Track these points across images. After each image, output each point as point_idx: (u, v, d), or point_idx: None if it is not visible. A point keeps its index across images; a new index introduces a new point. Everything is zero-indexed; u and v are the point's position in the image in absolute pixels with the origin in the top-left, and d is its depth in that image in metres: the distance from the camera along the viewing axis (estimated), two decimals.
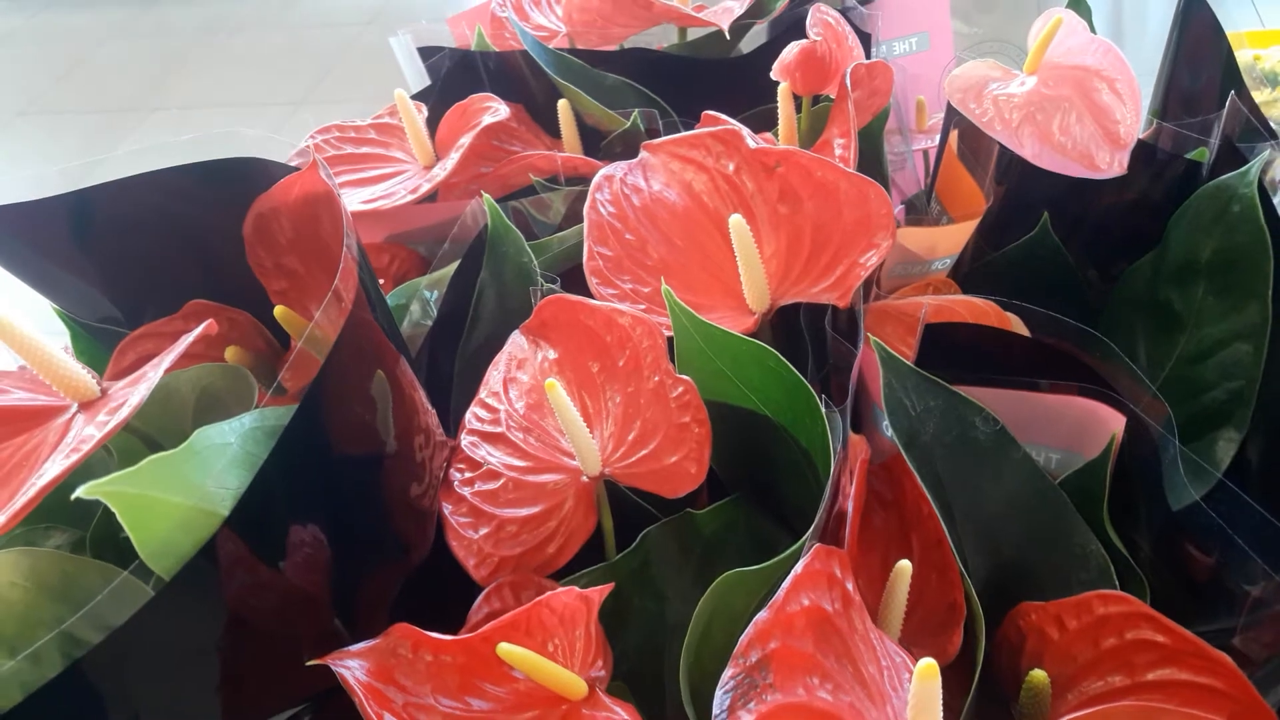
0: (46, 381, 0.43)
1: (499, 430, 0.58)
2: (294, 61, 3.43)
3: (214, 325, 0.43)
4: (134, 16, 3.78)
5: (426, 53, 0.88)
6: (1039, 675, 0.52)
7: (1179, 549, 0.55)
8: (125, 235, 0.56)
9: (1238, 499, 0.51)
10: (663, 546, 0.57)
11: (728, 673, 0.40)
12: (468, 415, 0.59)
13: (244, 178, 0.52)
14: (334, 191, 0.47)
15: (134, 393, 0.39)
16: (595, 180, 0.68)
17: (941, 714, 0.42)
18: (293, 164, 0.52)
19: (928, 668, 0.40)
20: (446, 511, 0.54)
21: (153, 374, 0.39)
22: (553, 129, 0.86)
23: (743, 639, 0.41)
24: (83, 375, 0.43)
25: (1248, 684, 0.49)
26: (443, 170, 0.74)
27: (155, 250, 0.57)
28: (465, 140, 0.74)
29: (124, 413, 0.38)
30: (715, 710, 0.39)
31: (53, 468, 0.37)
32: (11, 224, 0.56)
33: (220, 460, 0.38)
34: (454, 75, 0.87)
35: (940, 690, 0.41)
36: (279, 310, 0.54)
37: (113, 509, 0.34)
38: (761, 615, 0.42)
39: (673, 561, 0.58)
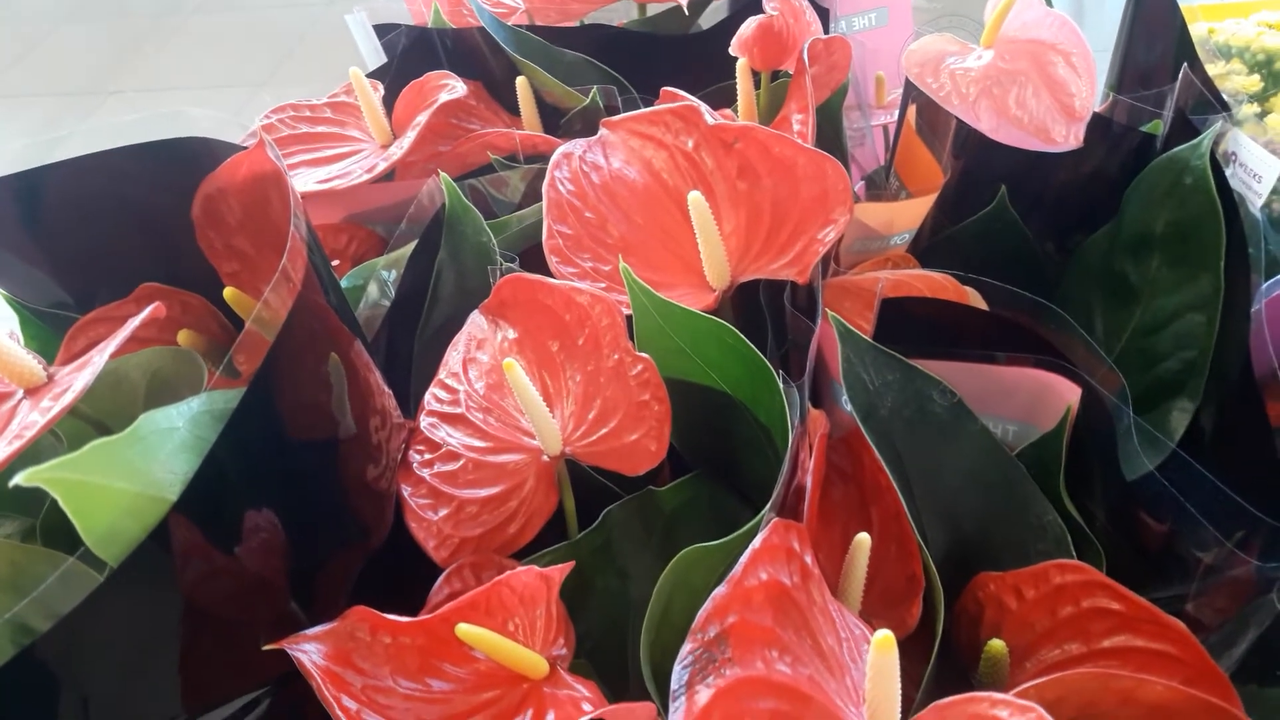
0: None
1: (458, 411, 0.58)
2: (254, 43, 3.39)
3: (161, 308, 0.42)
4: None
5: (383, 30, 0.86)
6: (997, 645, 0.53)
7: (1133, 518, 0.56)
8: (74, 217, 0.55)
9: (1190, 468, 0.52)
10: (625, 524, 0.57)
11: (686, 648, 0.40)
12: (427, 396, 0.59)
13: (192, 158, 0.51)
14: (282, 171, 0.46)
15: (79, 378, 0.38)
16: (554, 158, 0.67)
17: (899, 684, 0.42)
18: (243, 144, 0.51)
19: (884, 639, 0.40)
20: (405, 493, 0.53)
21: (98, 358, 0.39)
22: (512, 107, 0.85)
23: (700, 614, 0.41)
24: (28, 360, 0.43)
25: (1201, 649, 0.50)
26: (399, 149, 0.73)
27: (105, 233, 0.56)
28: (422, 118, 0.74)
29: (68, 398, 0.37)
30: (674, 685, 0.39)
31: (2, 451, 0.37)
32: None
33: (167, 445, 0.37)
34: (411, 53, 0.86)
35: (898, 661, 0.41)
36: (228, 292, 0.53)
37: (55, 496, 0.34)
38: (719, 590, 0.42)
39: (635, 539, 0.58)
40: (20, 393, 0.43)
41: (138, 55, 3.37)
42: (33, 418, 0.38)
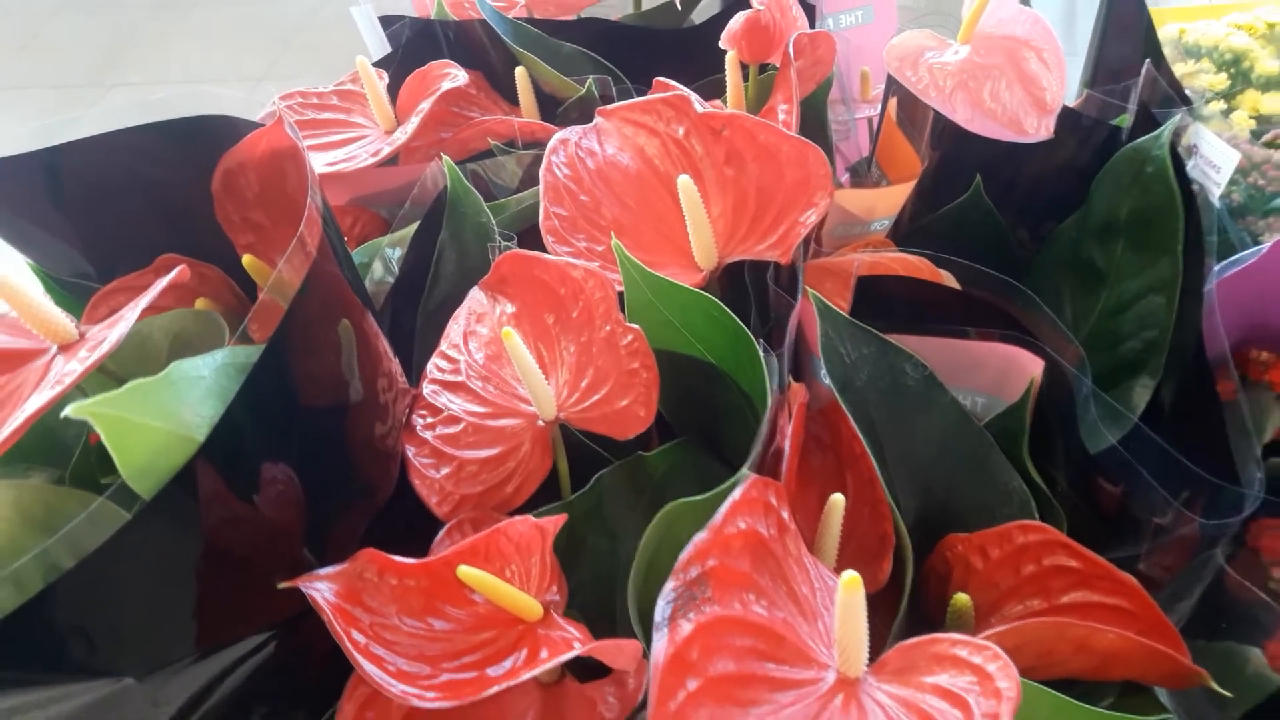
0: (28, 325, 0.45)
1: (459, 379, 0.61)
2: (252, 36, 3.41)
3: (186, 271, 0.45)
4: None
5: (388, 21, 0.90)
6: (961, 598, 0.56)
7: (1092, 483, 0.59)
8: (97, 192, 0.58)
9: (1144, 436, 0.56)
10: (615, 487, 0.61)
11: (669, 585, 0.43)
12: (429, 365, 0.62)
13: (212, 135, 0.55)
14: (299, 146, 0.50)
15: (113, 331, 0.42)
16: (551, 144, 0.70)
17: (866, 623, 0.45)
18: (261, 122, 0.55)
19: (851, 579, 0.44)
20: (410, 453, 0.57)
21: (130, 314, 0.42)
22: (511, 96, 0.88)
23: (683, 556, 0.45)
24: (63, 319, 0.46)
25: (1152, 603, 0.54)
26: (403, 134, 0.76)
27: (127, 207, 0.59)
28: (425, 105, 0.77)
29: (104, 348, 0.41)
30: (657, 618, 0.42)
31: (37, 399, 0.40)
32: None
33: (195, 391, 0.41)
34: (414, 44, 0.90)
35: (864, 600, 0.44)
36: (247, 259, 0.56)
37: (97, 429, 0.37)
38: (700, 535, 0.46)
39: (625, 501, 0.61)
40: (54, 348, 0.47)
41: (136, 48, 3.39)
42: (71, 366, 0.41)
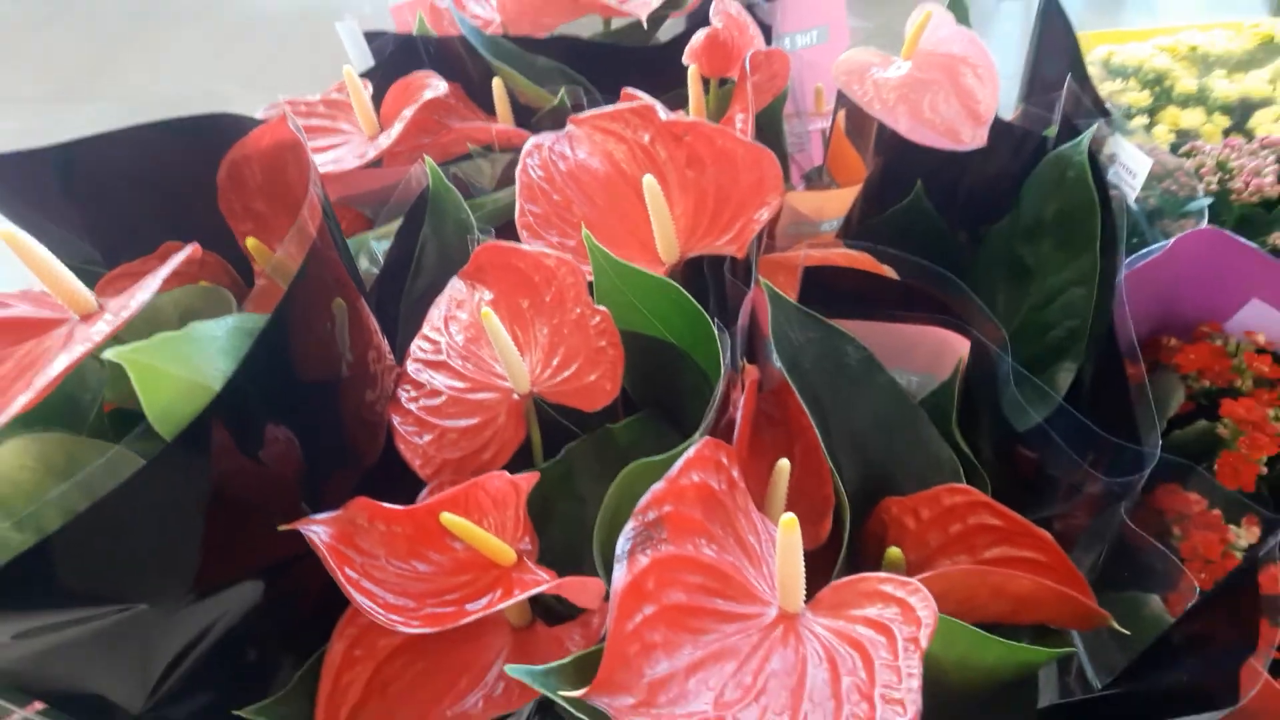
0: (53, 294, 0.51)
1: (440, 358, 0.67)
2: (227, 55, 3.45)
3: (198, 250, 0.51)
4: (65, 6, 3.77)
5: (372, 36, 0.96)
6: (894, 551, 0.62)
7: (1013, 451, 0.66)
8: (105, 185, 0.64)
9: (1058, 407, 0.62)
10: (583, 457, 0.66)
11: (629, 525, 0.49)
12: (412, 346, 0.68)
13: (217, 131, 0.60)
14: (301, 140, 0.55)
15: (135, 298, 0.47)
16: (526, 147, 0.76)
17: (802, 563, 0.51)
18: (263, 119, 0.60)
19: (789, 520, 0.49)
20: (395, 422, 0.62)
21: (152, 282, 0.47)
22: (487, 107, 0.94)
23: (642, 501, 0.50)
24: (84, 290, 0.51)
25: (1063, 554, 0.60)
26: (388, 138, 0.82)
27: (132, 198, 0.64)
28: (408, 112, 0.83)
29: (129, 310, 0.46)
30: (618, 552, 0.48)
31: (69, 355, 0.45)
32: (2, 174, 0.63)
33: (211, 347, 0.46)
34: (396, 57, 0.96)
35: (800, 540, 0.50)
36: (251, 241, 0.62)
37: (130, 374, 0.42)
38: (658, 485, 0.51)
39: (592, 469, 0.66)
40: (75, 318, 0.52)
41: (114, 64, 3.42)
42: (99, 326, 0.46)
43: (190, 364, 0.45)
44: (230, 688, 0.56)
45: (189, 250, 0.50)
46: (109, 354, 0.42)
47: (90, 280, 0.67)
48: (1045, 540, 0.60)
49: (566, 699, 0.43)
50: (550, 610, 0.63)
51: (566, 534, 0.66)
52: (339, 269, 0.55)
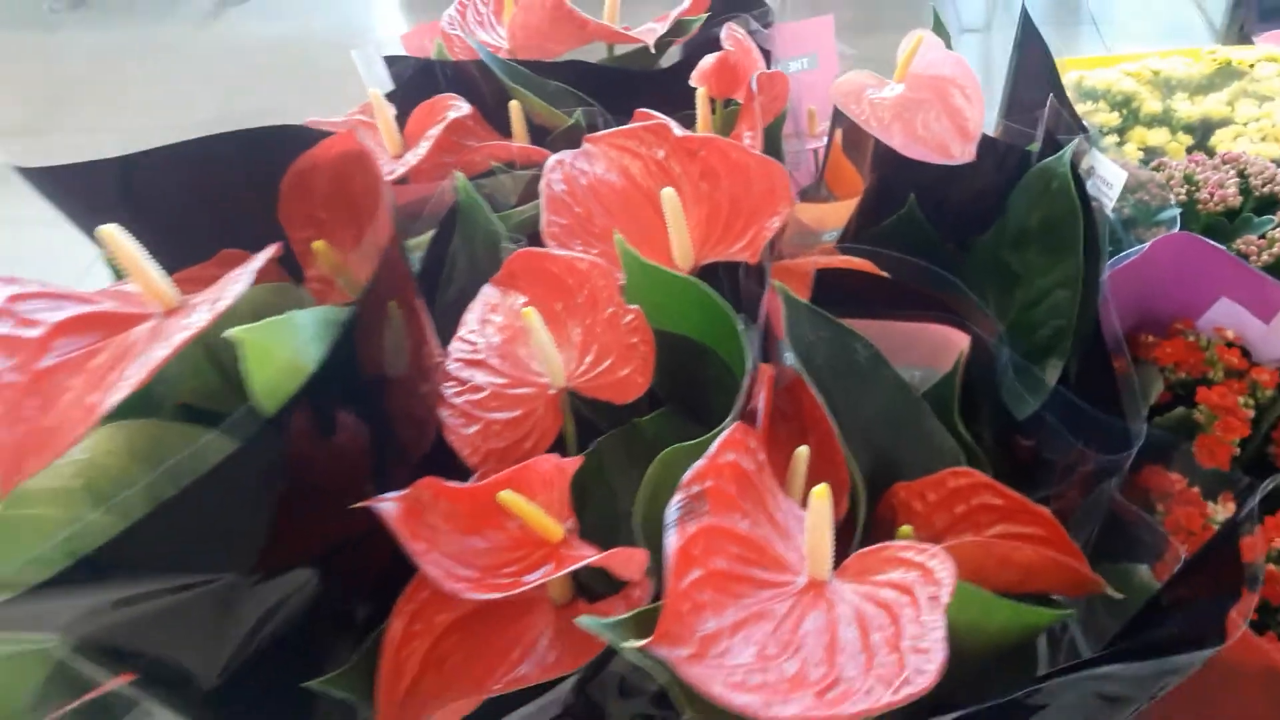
0: (141, 288, 0.55)
1: (479, 357, 0.71)
2: (199, 88, 3.48)
3: (280, 248, 0.55)
4: (33, 41, 3.80)
5: (391, 61, 1.01)
6: (905, 529, 0.67)
7: (1011, 437, 0.71)
8: (167, 195, 0.68)
9: (1054, 393, 0.68)
10: (614, 450, 0.71)
11: (676, 496, 0.54)
12: (451, 346, 0.72)
13: (280, 143, 0.65)
14: (368, 151, 0.60)
15: (230, 290, 0.51)
16: (548, 164, 0.82)
17: (832, 533, 0.56)
18: (329, 130, 0.65)
19: (820, 490, 0.54)
20: (444, 415, 0.67)
21: (245, 275, 0.52)
22: (501, 130, 1.00)
23: (686, 476, 0.55)
24: (171, 286, 0.55)
25: (1061, 529, 0.65)
26: (415, 156, 0.87)
27: (192, 208, 0.68)
28: (435, 131, 0.88)
29: (224, 303, 0.50)
30: (668, 520, 0.53)
31: (174, 339, 0.50)
32: (67, 183, 0.67)
33: (306, 333, 0.50)
34: (414, 82, 1.01)
35: (831, 510, 0.55)
36: (317, 244, 0.66)
37: (242, 351, 0.47)
38: (699, 462, 0.56)
39: (621, 461, 0.71)
40: (160, 312, 0.56)
41: (78, 98, 3.44)
42: (200, 314, 0.51)
43: (291, 346, 0.49)
44: (293, 663, 0.60)
45: (272, 250, 0.54)
46: (229, 332, 0.47)
47: None
48: (1044, 516, 0.66)
49: (631, 650, 0.48)
50: (584, 589, 0.67)
51: (598, 521, 0.71)
52: (403, 267, 0.60)
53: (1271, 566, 0.67)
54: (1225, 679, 0.62)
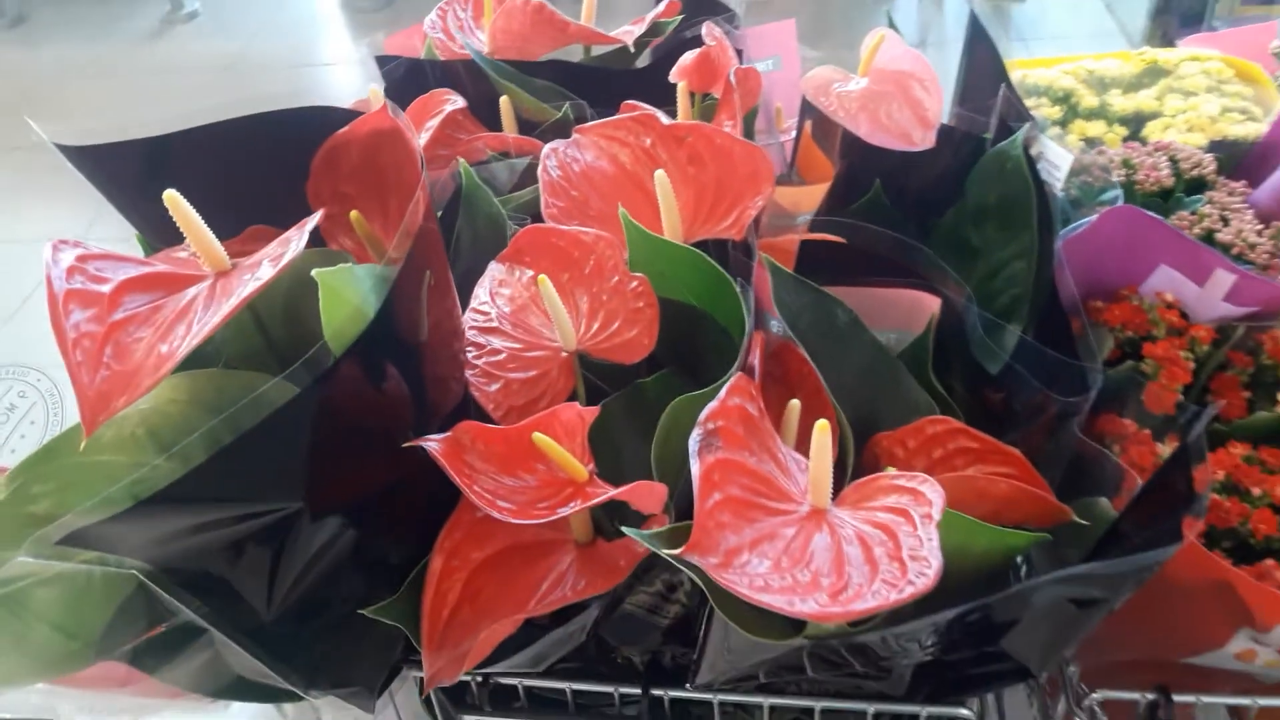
0: (196, 250, 0.59)
1: (494, 325, 0.77)
2: (145, 107, 3.47)
3: (323, 216, 0.60)
4: None
5: (383, 61, 1.06)
6: (890, 470, 0.74)
7: (981, 387, 0.79)
8: (199, 172, 0.72)
9: (1019, 342, 0.75)
10: (620, 409, 0.76)
11: (695, 431, 0.60)
12: (465, 318, 0.78)
13: (313, 123, 0.69)
14: (401, 127, 0.65)
15: (290, 248, 0.56)
16: (544, 151, 0.87)
17: (831, 464, 0.62)
18: (359, 110, 0.70)
19: (822, 424, 0.61)
20: (469, 375, 0.72)
21: (299, 237, 0.57)
22: (488, 124, 1.05)
23: (701, 415, 0.61)
24: (222, 250, 0.60)
25: (1030, 466, 0.72)
26: None
27: (222, 184, 0.72)
28: (433, 123, 0.93)
29: (284, 261, 0.55)
30: (692, 449, 0.58)
31: (241, 294, 0.54)
32: (105, 161, 0.72)
33: (365, 284, 0.55)
34: (405, 80, 1.06)
35: (830, 441, 0.61)
36: (354, 215, 0.70)
37: (322, 294, 0.52)
38: (712, 403, 0.62)
39: (626, 419, 0.77)
40: (212, 273, 0.61)
41: (32, 115, 3.40)
42: (264, 270, 0.55)
43: (357, 294, 0.54)
44: (341, 600, 0.65)
45: (319, 215, 0.59)
46: (316, 272, 0.52)
47: None
48: (1015, 456, 0.73)
49: (670, 557, 0.54)
50: (599, 532, 0.72)
51: (606, 474, 0.76)
52: (436, 236, 0.65)
53: (1215, 495, 0.74)
54: (1181, 593, 0.69)
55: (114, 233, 0.81)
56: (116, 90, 3.52)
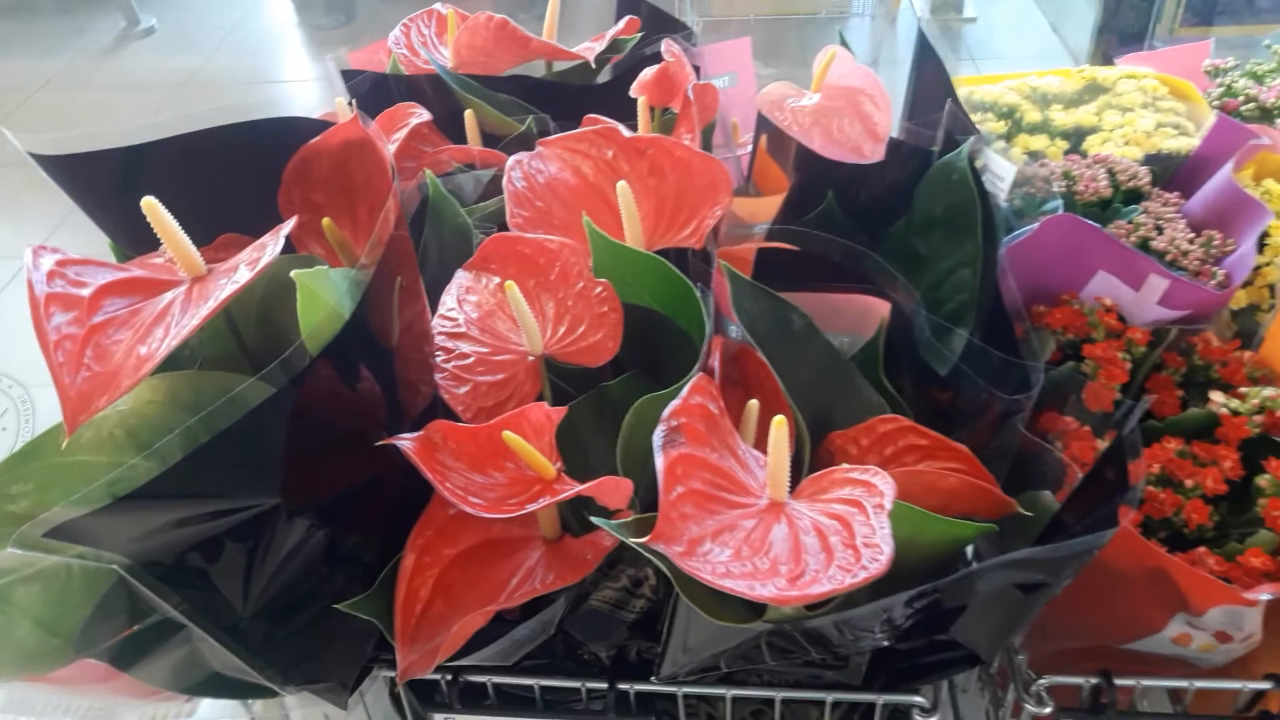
0: (173, 256, 0.61)
1: (461, 330, 0.79)
2: (108, 123, 3.45)
3: (298, 222, 0.62)
4: None
5: (348, 75, 1.08)
6: (843, 466, 0.77)
7: (929, 387, 0.82)
8: (170, 181, 0.73)
9: (966, 344, 0.79)
10: (585, 412, 0.79)
11: (660, 427, 0.62)
12: (434, 323, 0.80)
13: (286, 133, 0.72)
14: (372, 137, 0.68)
15: (265, 252, 0.58)
16: (509, 163, 0.90)
17: (789, 458, 0.65)
18: (329, 120, 0.72)
19: (779, 420, 0.64)
20: (439, 378, 0.74)
21: (273, 244, 0.59)
22: (453, 139, 1.08)
23: (665, 411, 0.64)
24: (199, 255, 0.62)
25: (977, 461, 0.76)
26: None
27: (193, 193, 0.74)
28: (399, 135, 0.95)
29: (261, 264, 0.57)
30: (655, 445, 0.61)
31: (219, 297, 0.56)
32: (79, 170, 0.73)
33: (340, 287, 0.57)
34: (370, 94, 1.08)
35: (786, 435, 0.64)
36: (326, 222, 0.72)
37: (300, 294, 0.54)
38: (675, 401, 0.65)
39: (591, 422, 0.79)
40: (188, 279, 0.62)
41: None
42: (241, 274, 0.57)
43: (333, 295, 0.57)
44: (315, 597, 0.67)
45: (294, 221, 0.61)
46: (295, 273, 0.54)
47: None
48: (962, 451, 0.77)
49: (637, 545, 0.56)
50: (567, 529, 0.75)
51: (573, 474, 0.79)
52: (410, 247, 0.68)
53: (1151, 488, 0.78)
54: (1120, 581, 0.73)
55: (79, 247, 0.82)
56: (73, 106, 3.50)
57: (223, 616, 0.61)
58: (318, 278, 0.56)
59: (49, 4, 4.30)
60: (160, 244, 0.73)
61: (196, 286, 0.62)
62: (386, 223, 0.62)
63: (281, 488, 0.61)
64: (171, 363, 0.66)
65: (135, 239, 0.77)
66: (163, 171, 0.74)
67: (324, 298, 0.56)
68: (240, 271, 0.58)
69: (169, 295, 0.61)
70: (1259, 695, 0.76)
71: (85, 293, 0.59)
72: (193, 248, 0.61)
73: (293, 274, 0.55)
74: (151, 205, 0.59)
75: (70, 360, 0.55)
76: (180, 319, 0.58)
